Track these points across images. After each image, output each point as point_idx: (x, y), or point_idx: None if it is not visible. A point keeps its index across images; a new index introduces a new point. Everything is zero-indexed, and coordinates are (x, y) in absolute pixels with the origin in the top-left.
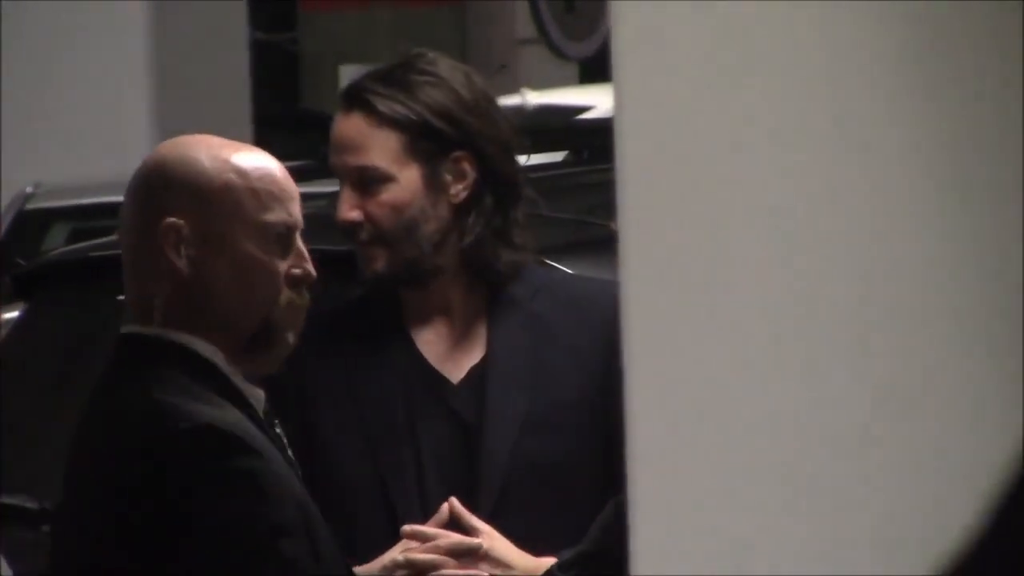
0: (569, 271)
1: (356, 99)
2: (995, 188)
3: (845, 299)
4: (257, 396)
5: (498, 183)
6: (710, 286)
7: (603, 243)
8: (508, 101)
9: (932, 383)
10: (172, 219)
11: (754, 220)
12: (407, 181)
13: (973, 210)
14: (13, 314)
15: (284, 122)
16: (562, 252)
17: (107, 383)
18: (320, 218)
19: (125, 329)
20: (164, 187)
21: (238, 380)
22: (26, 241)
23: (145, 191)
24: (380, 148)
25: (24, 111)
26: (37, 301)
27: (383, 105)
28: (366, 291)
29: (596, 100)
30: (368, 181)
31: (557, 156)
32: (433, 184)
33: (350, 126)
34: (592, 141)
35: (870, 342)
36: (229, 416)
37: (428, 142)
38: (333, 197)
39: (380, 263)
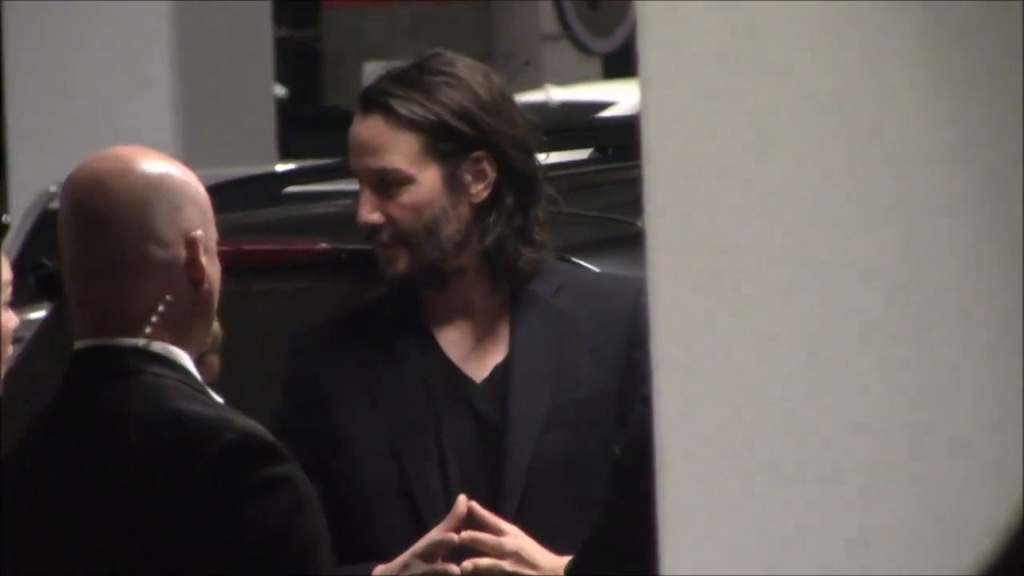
0: (590, 267)
1: (374, 101)
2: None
3: (872, 292)
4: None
5: (518, 182)
6: (737, 281)
7: (629, 240)
8: (532, 97)
9: (961, 376)
10: (199, 231)
11: (782, 214)
12: (427, 182)
13: (998, 202)
14: (39, 314)
15: (307, 119)
16: (588, 250)
17: (92, 390)
18: (346, 216)
19: (94, 342)
20: (182, 201)
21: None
22: (51, 241)
23: (163, 203)
24: (399, 150)
25: (46, 110)
26: (62, 301)
27: (401, 107)
28: (388, 291)
29: (619, 95)
30: (388, 183)
31: (582, 153)
32: (453, 184)
33: (369, 129)
34: (617, 138)
35: (899, 335)
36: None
37: (447, 143)
38: (357, 196)
39: (401, 264)
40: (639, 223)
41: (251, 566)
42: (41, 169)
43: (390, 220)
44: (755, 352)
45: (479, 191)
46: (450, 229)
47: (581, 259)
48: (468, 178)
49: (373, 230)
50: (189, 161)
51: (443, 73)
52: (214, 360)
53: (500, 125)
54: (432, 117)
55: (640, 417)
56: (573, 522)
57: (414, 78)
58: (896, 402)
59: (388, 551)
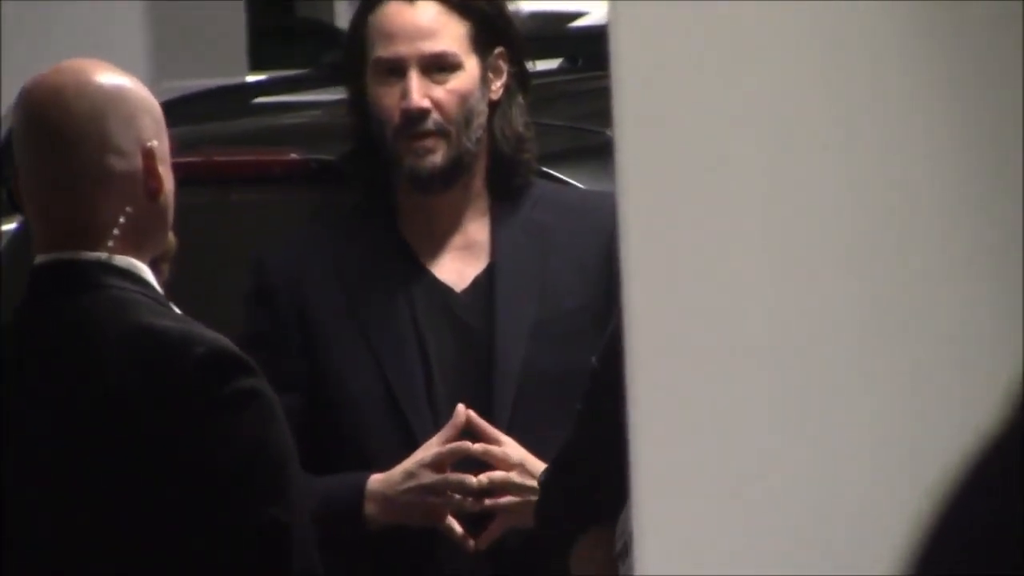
0: (567, 180)
1: None
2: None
3: (843, 210)
4: None
5: (525, 83)
6: (708, 195)
7: (599, 150)
8: None
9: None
10: (154, 141)
11: (753, 125)
12: (471, 71)
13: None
14: (11, 226)
15: (279, 32)
16: (558, 159)
17: (57, 305)
18: (317, 127)
19: (56, 256)
20: (137, 111)
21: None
22: None
23: (123, 115)
24: (453, 35)
25: (20, 22)
26: None
27: None
28: (362, 200)
29: (590, 6)
30: (440, 68)
31: (552, 63)
32: (485, 78)
33: (422, 13)
34: (587, 48)
35: (870, 254)
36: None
37: (486, 34)
38: (328, 106)
39: (439, 155)
40: (609, 133)
41: (225, 480)
42: (11, 72)
43: (437, 106)
44: (726, 265)
45: (497, 88)
46: (477, 123)
47: (551, 169)
48: (490, 74)
49: (421, 116)
50: (160, 73)
51: None
52: (164, 268)
53: (514, 24)
54: (480, 6)
55: (616, 329)
56: (559, 432)
57: None
58: (868, 327)
59: (378, 464)
